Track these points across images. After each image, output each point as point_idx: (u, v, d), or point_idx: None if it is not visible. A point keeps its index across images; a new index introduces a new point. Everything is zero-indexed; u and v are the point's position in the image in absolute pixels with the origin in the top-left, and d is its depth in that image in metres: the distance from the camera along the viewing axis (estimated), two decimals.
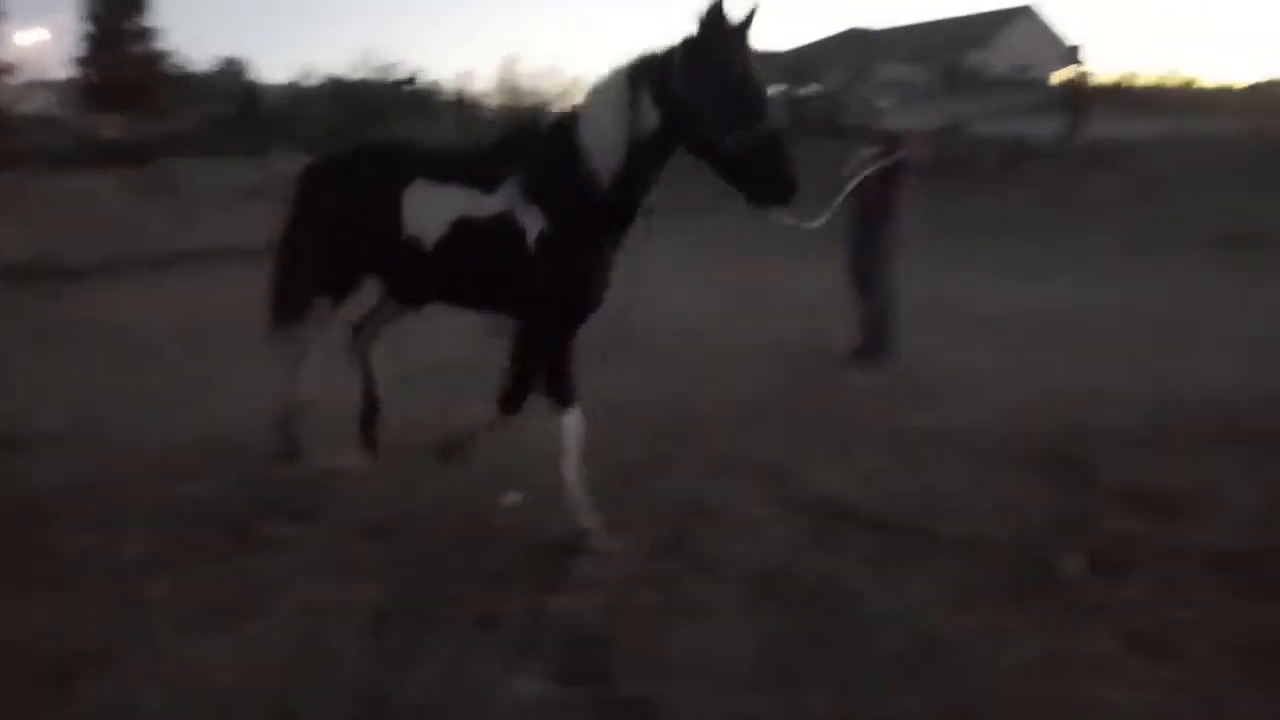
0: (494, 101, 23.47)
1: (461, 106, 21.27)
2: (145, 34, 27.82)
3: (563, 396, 3.91)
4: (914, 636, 3.18)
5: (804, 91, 23.13)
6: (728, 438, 5.14)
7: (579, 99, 3.91)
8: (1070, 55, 18.91)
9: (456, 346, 6.54)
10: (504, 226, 3.80)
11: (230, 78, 28.17)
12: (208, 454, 4.97)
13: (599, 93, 3.68)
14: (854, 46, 40.70)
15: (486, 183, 3.86)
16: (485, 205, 3.84)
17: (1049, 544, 3.76)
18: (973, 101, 23.26)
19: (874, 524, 3.99)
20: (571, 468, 3.92)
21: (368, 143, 4.74)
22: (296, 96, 25.39)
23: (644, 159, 3.58)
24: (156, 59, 27.55)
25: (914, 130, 8.90)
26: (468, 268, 3.97)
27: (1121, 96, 23.91)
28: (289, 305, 4.60)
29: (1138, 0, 64.30)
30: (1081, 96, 17.38)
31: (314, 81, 25.98)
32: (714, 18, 3.36)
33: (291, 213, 4.59)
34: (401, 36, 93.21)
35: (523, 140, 4.06)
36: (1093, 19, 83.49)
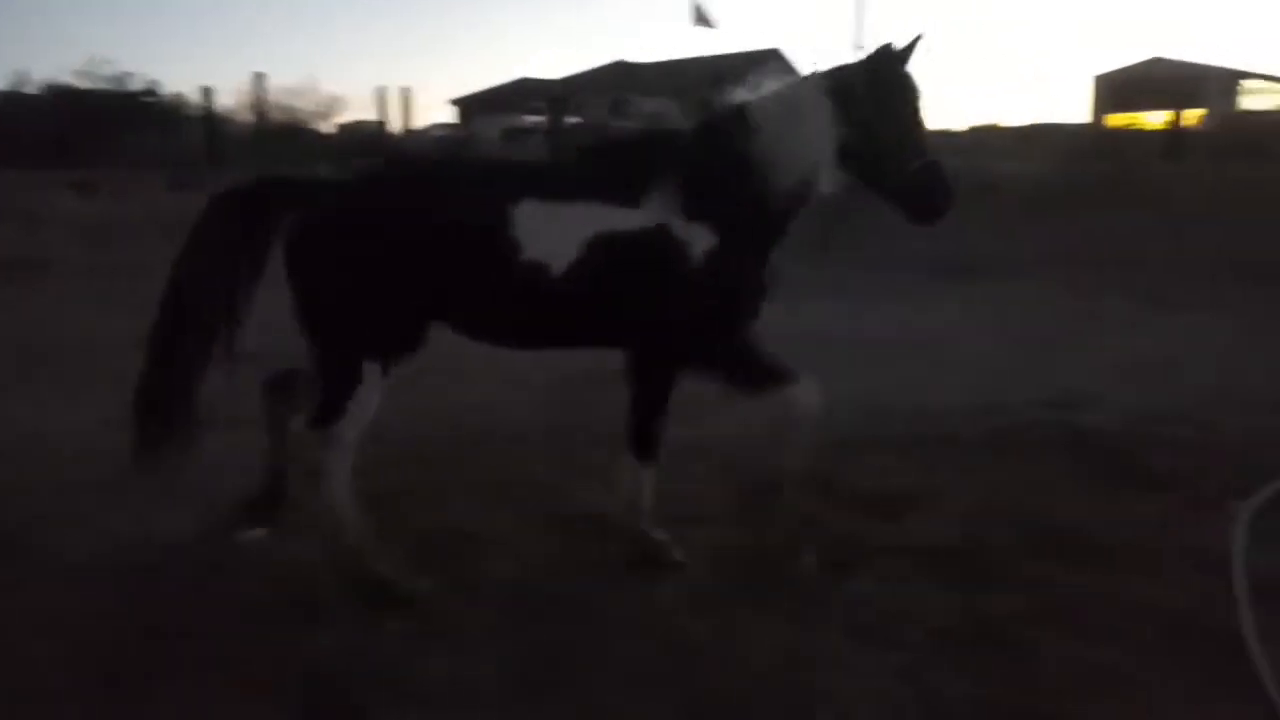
0: (243, 117, 22.30)
1: (210, 121, 20.02)
2: None
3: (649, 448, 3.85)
4: (662, 643, 3.29)
5: (568, 121, 23.49)
6: (496, 460, 5.13)
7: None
8: None
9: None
10: (655, 243, 3.52)
11: None
12: None
13: (786, 105, 3.65)
14: (617, 78, 41.87)
15: (622, 196, 3.55)
16: (629, 220, 3.53)
17: (786, 547, 3.98)
18: None
19: (630, 536, 4.09)
20: None
21: (404, 161, 3.78)
22: (11, 105, 23.04)
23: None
24: None
25: None
26: (606, 292, 3.57)
27: None
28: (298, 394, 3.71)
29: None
30: None
31: (32, 89, 23.69)
32: (901, 53, 3.60)
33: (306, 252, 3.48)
34: (126, 44, 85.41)
35: (660, 149, 3.75)
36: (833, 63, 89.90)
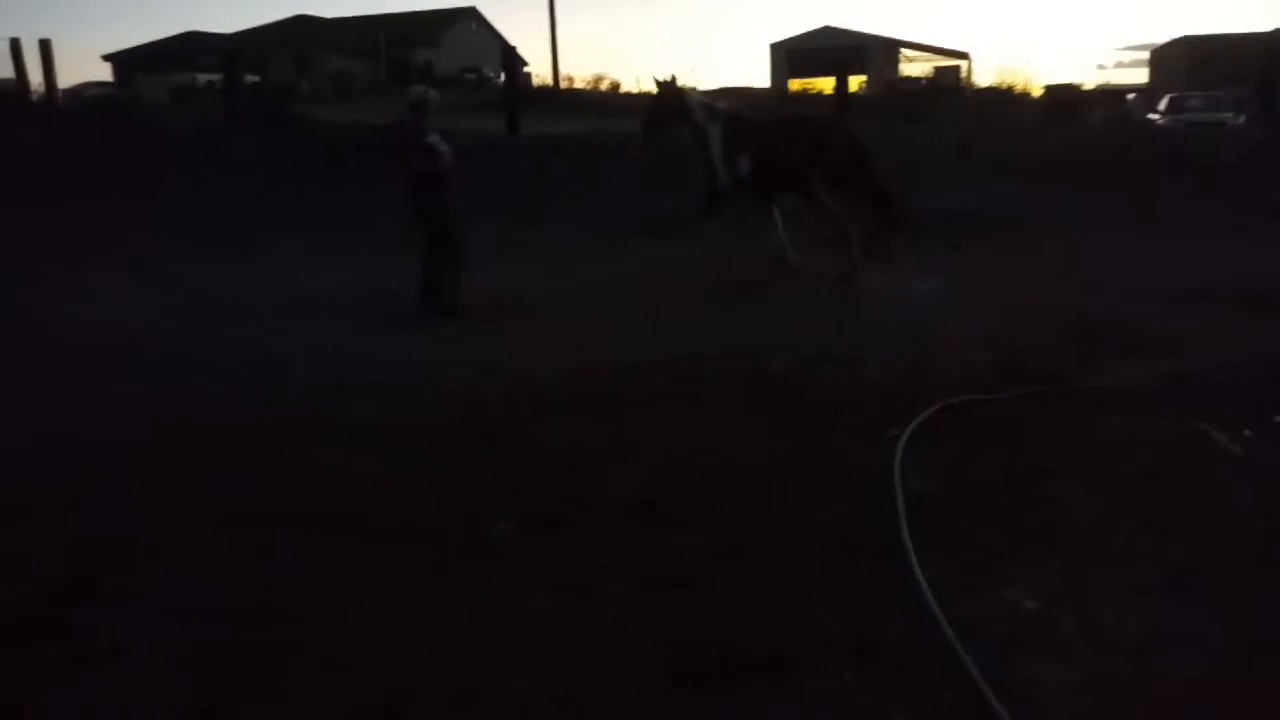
0: None
1: None
2: None
3: None
4: (352, 630, 3.11)
5: (247, 80, 21.80)
6: (153, 454, 4.65)
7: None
8: (508, 57, 20.22)
9: None
10: None
11: None
12: None
13: None
14: (299, 34, 39.43)
15: None
16: None
17: (485, 515, 3.92)
18: None
19: (311, 523, 3.84)
20: None
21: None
22: None
23: None
24: None
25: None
26: None
27: (557, 97, 26.14)
28: None
29: (570, 10, 70.92)
30: (519, 95, 18.63)
31: None
32: None
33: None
34: None
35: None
36: (533, 24, 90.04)
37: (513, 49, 20.36)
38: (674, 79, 9.49)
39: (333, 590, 3.38)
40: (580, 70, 53.97)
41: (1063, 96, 32.49)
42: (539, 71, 35.24)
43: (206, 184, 13.38)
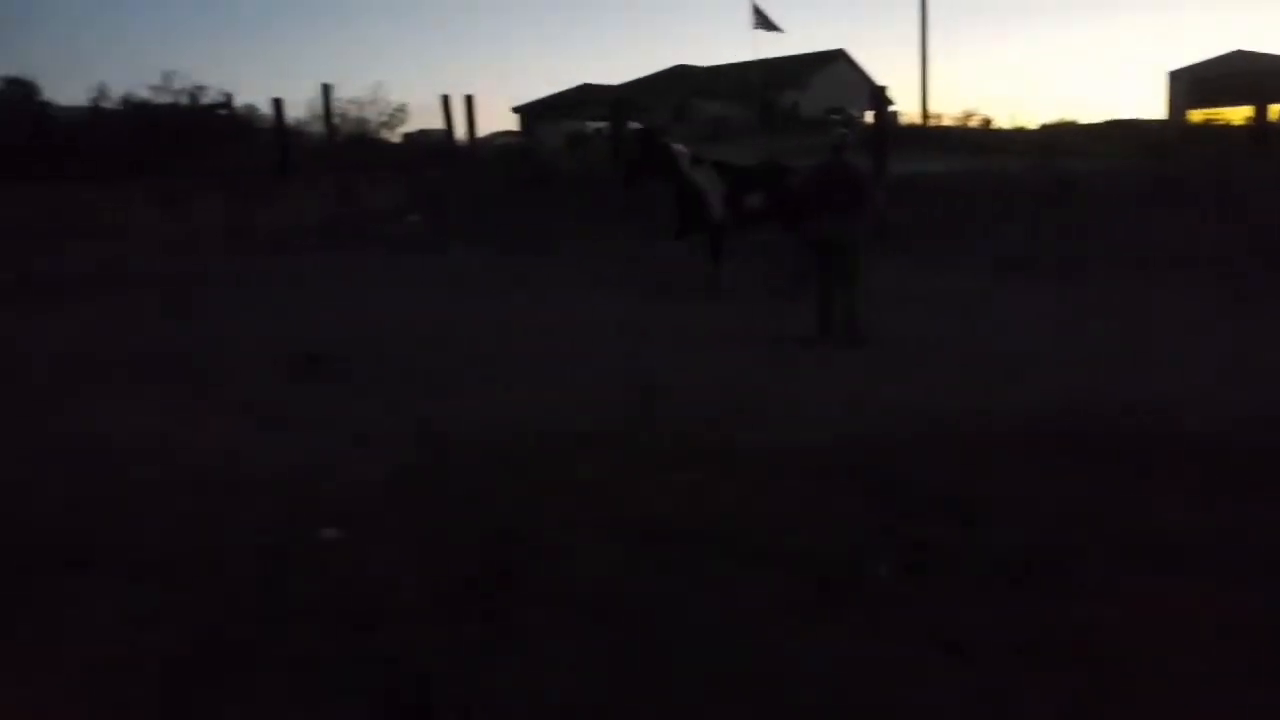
0: (313, 128, 22.73)
1: (282, 133, 20.47)
2: None
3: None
4: (741, 651, 3.20)
5: (630, 126, 23.50)
6: (555, 463, 5.09)
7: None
8: (877, 96, 20.08)
9: None
10: None
11: (17, 99, 26.07)
12: None
13: None
14: (679, 83, 41.85)
15: None
16: None
17: (863, 552, 3.88)
18: (788, 138, 24.23)
19: (700, 541, 4.01)
20: None
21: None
22: (94, 120, 23.80)
23: None
24: None
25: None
26: None
27: (924, 135, 25.51)
28: None
29: (941, 48, 69.25)
30: (887, 134, 18.40)
31: (110, 104, 24.44)
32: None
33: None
34: (204, 61, 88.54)
35: None
36: (902, 63, 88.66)
37: (881, 89, 20.17)
38: (655, 130, 11.38)
39: (718, 610, 3.49)
40: (949, 107, 52.04)
41: None
42: (906, 109, 34.61)
43: (591, 221, 14.56)
